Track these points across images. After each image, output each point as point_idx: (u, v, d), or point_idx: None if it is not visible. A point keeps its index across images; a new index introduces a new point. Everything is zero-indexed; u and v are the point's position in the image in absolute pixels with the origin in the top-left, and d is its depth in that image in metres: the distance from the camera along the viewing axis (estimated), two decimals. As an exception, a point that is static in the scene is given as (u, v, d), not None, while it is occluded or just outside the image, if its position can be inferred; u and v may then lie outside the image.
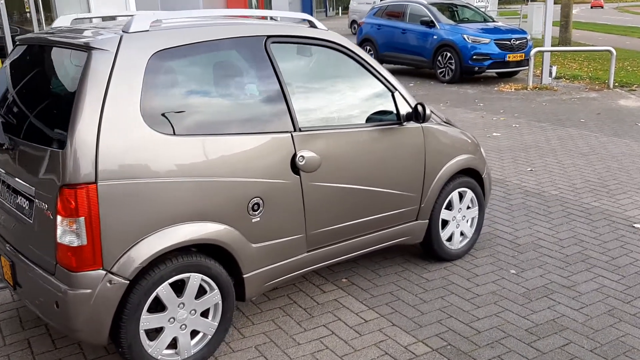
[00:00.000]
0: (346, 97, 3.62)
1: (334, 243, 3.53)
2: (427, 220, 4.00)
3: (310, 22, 3.50)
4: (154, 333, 2.89)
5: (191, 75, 2.95)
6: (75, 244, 2.58)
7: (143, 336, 2.82)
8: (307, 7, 49.39)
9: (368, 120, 3.61)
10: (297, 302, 3.71)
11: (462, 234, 4.28)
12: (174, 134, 2.79)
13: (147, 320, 2.81)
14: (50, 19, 14.08)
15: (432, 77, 13.23)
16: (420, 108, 3.61)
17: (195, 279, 2.93)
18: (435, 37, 12.73)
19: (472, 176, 4.27)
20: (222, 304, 3.07)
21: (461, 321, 3.46)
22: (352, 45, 3.56)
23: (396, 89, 3.68)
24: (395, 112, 3.69)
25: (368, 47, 14.50)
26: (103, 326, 2.70)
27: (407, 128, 3.72)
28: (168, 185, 2.75)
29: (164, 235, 2.76)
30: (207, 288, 3.00)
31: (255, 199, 3.05)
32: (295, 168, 3.20)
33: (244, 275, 3.11)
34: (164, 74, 2.82)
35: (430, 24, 12.94)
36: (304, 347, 3.24)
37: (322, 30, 3.47)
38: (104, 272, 2.64)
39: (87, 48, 2.70)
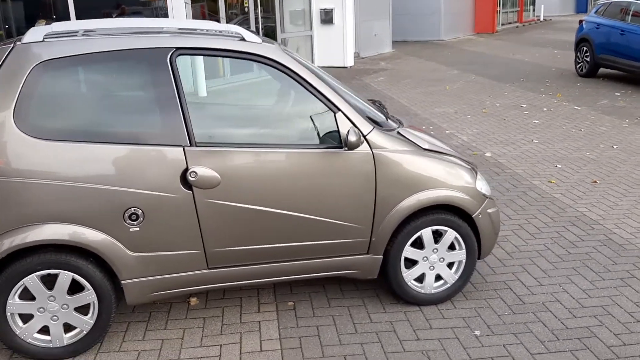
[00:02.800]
0: (269, 116, 3.44)
1: (247, 264, 3.41)
2: (381, 256, 3.60)
3: (240, 34, 3.38)
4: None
5: (76, 85, 3.11)
6: (-52, 229, 2.96)
7: (12, 319, 3.11)
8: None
9: (305, 141, 3.38)
10: (224, 316, 3.67)
11: (439, 277, 3.75)
12: (45, 138, 2.99)
13: (14, 306, 3.10)
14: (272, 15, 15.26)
15: (650, 86, 11.29)
16: (345, 134, 3.27)
17: (65, 276, 3.12)
18: (656, 40, 10.81)
19: (459, 215, 3.70)
20: (98, 304, 3.21)
21: (349, 375, 3.09)
22: (288, 60, 3.34)
23: (339, 110, 3.37)
24: (338, 135, 3.38)
25: (584, 48, 12.90)
26: (-30, 304, 3.06)
27: (350, 153, 3.39)
28: (32, 185, 2.97)
29: (24, 232, 2.99)
30: (84, 286, 3.17)
31: (132, 209, 3.11)
32: (187, 183, 3.17)
33: (122, 281, 3.21)
34: (47, 82, 3.02)
35: (653, 25, 11.02)
36: (179, 363, 3.23)
37: (252, 43, 3.33)
38: (-30, 256, 2.99)
39: (-20, 57, 3.04)
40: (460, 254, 3.73)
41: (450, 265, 3.76)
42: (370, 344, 3.37)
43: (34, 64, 3.00)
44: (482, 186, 3.76)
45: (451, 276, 3.75)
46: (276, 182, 3.30)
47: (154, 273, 3.26)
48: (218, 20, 13.04)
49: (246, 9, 14.16)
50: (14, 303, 3.10)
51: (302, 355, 3.27)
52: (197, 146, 3.18)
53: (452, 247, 3.72)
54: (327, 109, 3.38)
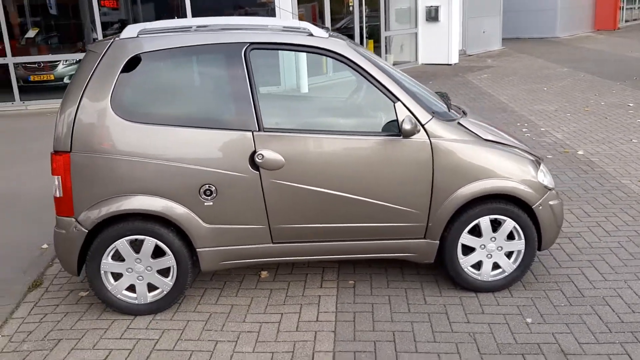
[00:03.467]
0: (339, 106, 3.70)
1: (308, 241, 3.70)
2: (438, 241, 3.77)
3: (309, 30, 3.68)
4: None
5: (164, 74, 3.54)
6: (57, 195, 3.50)
7: (105, 277, 3.61)
8: None
9: (366, 129, 3.63)
10: (289, 289, 4.00)
11: (497, 266, 3.86)
12: (137, 122, 3.45)
13: (107, 265, 3.59)
14: (375, 13, 15.48)
15: None
16: (401, 122, 3.47)
17: (149, 242, 3.57)
18: None
19: (519, 205, 3.78)
20: (177, 268, 3.64)
21: (388, 353, 3.29)
22: (351, 53, 3.59)
23: (398, 100, 3.58)
24: (397, 124, 3.60)
25: None
26: (71, 261, 3.58)
27: (408, 141, 3.59)
28: (126, 162, 3.44)
29: (118, 201, 3.47)
30: (166, 252, 3.61)
31: (207, 185, 3.50)
32: (255, 164, 3.52)
33: (197, 249, 3.61)
34: (140, 72, 3.48)
35: None
36: (244, 326, 3.59)
37: (320, 38, 3.61)
38: (73, 219, 3.51)
39: (86, 50, 3.56)
40: (519, 244, 3.81)
41: (509, 254, 3.85)
42: (420, 323, 3.56)
43: (130, 56, 3.47)
44: (543, 178, 3.82)
45: (509, 265, 3.84)
46: (337, 166, 3.56)
47: (224, 244, 3.63)
48: (323, 21, 13.45)
49: (351, 9, 14.48)
50: (107, 263, 3.59)
51: (354, 328, 3.52)
52: (264, 131, 3.51)
53: (511, 236, 3.81)
54: (388, 99, 3.60)
